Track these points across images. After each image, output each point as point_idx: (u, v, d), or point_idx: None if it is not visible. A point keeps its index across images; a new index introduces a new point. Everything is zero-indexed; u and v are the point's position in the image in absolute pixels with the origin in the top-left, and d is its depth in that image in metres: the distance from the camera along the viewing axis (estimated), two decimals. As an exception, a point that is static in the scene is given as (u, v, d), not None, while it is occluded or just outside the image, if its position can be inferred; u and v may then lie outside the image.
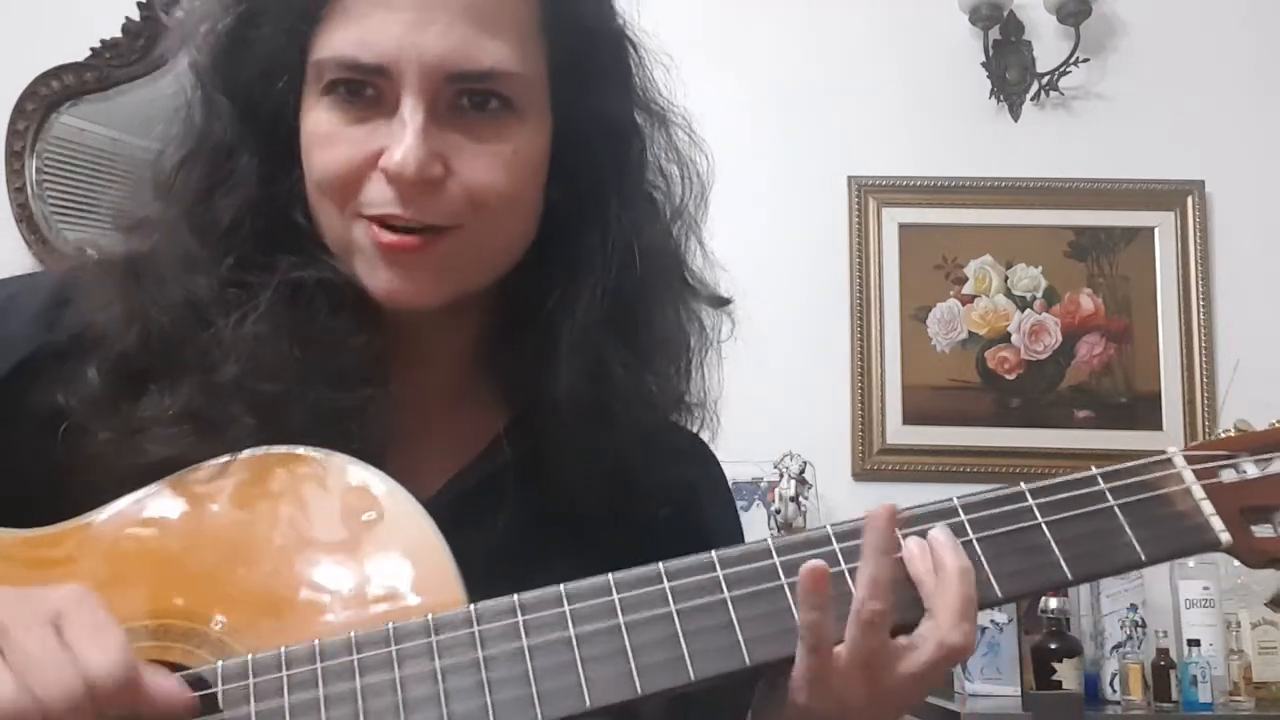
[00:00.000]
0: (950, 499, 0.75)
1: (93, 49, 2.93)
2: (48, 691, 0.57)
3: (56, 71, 2.91)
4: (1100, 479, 0.76)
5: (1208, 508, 0.75)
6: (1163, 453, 0.78)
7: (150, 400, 0.76)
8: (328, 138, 0.77)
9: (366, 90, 0.76)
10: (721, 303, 0.91)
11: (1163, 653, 2.40)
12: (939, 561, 0.71)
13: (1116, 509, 0.75)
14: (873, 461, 2.81)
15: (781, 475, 2.58)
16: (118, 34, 2.94)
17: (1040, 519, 0.74)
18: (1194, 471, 0.77)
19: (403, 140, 0.74)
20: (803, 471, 2.60)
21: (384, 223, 0.76)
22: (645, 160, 0.86)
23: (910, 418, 2.83)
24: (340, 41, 0.75)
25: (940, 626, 0.69)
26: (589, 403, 0.81)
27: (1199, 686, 2.33)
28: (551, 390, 0.81)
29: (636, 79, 0.86)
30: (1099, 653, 2.49)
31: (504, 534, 0.81)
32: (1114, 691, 2.45)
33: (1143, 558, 0.74)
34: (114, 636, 0.60)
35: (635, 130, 0.85)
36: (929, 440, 2.82)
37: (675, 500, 0.86)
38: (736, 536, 0.94)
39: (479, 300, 0.84)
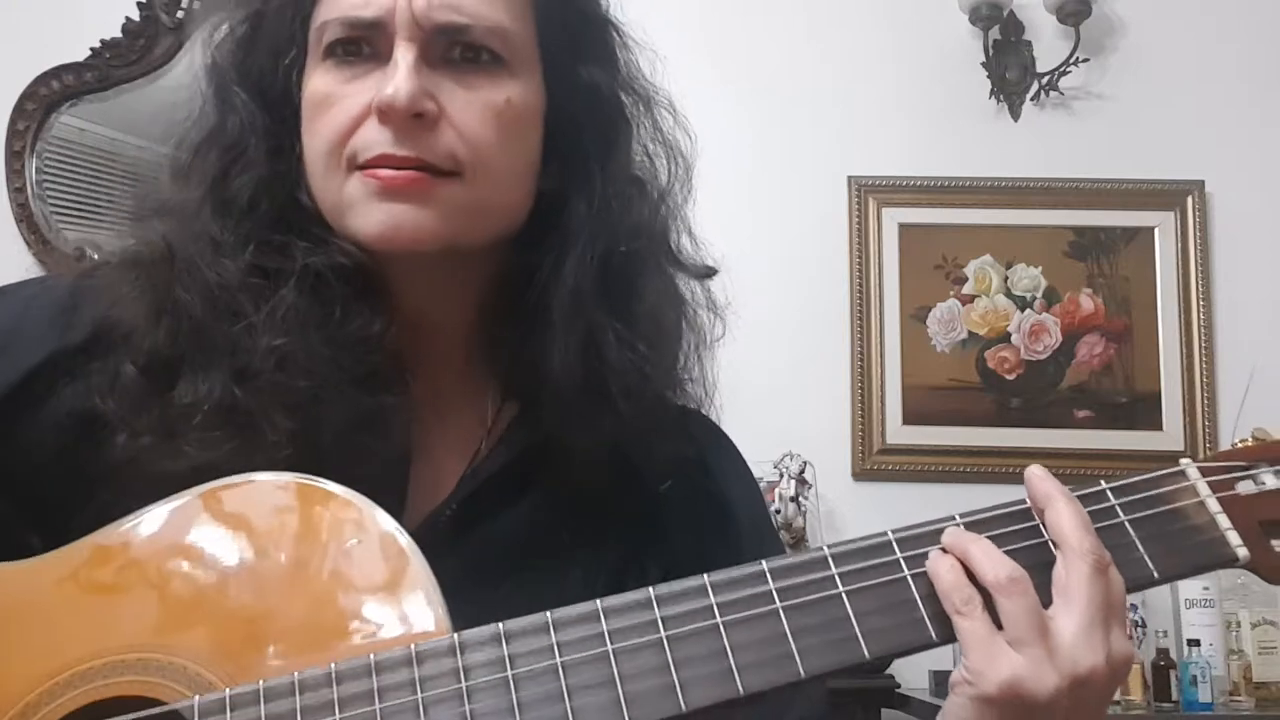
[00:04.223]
0: (952, 516, 0.71)
1: (93, 49, 2.93)
2: None
3: (56, 71, 2.91)
4: (1110, 493, 0.72)
5: (1224, 521, 0.71)
6: (1176, 465, 0.74)
7: (186, 387, 0.76)
8: (327, 98, 0.79)
9: (364, 49, 0.79)
10: (708, 273, 0.91)
11: (1163, 653, 2.41)
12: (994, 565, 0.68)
13: (1127, 524, 0.71)
14: (872, 461, 2.81)
15: (781, 475, 2.58)
16: (118, 34, 2.94)
17: (1046, 536, 0.69)
18: (1209, 484, 0.72)
19: (394, 77, 0.76)
20: (803, 471, 2.60)
21: (379, 165, 0.77)
22: (631, 137, 0.88)
23: (910, 418, 2.83)
24: (344, 2, 0.79)
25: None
26: (583, 375, 0.81)
27: (1199, 686, 2.33)
28: (547, 366, 0.81)
29: (621, 60, 0.88)
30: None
31: (523, 525, 0.82)
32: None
33: (1155, 575, 0.70)
34: None
35: (621, 108, 0.87)
36: (929, 440, 2.82)
37: (687, 475, 0.86)
38: (758, 510, 0.94)
39: (475, 275, 0.84)
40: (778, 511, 2.54)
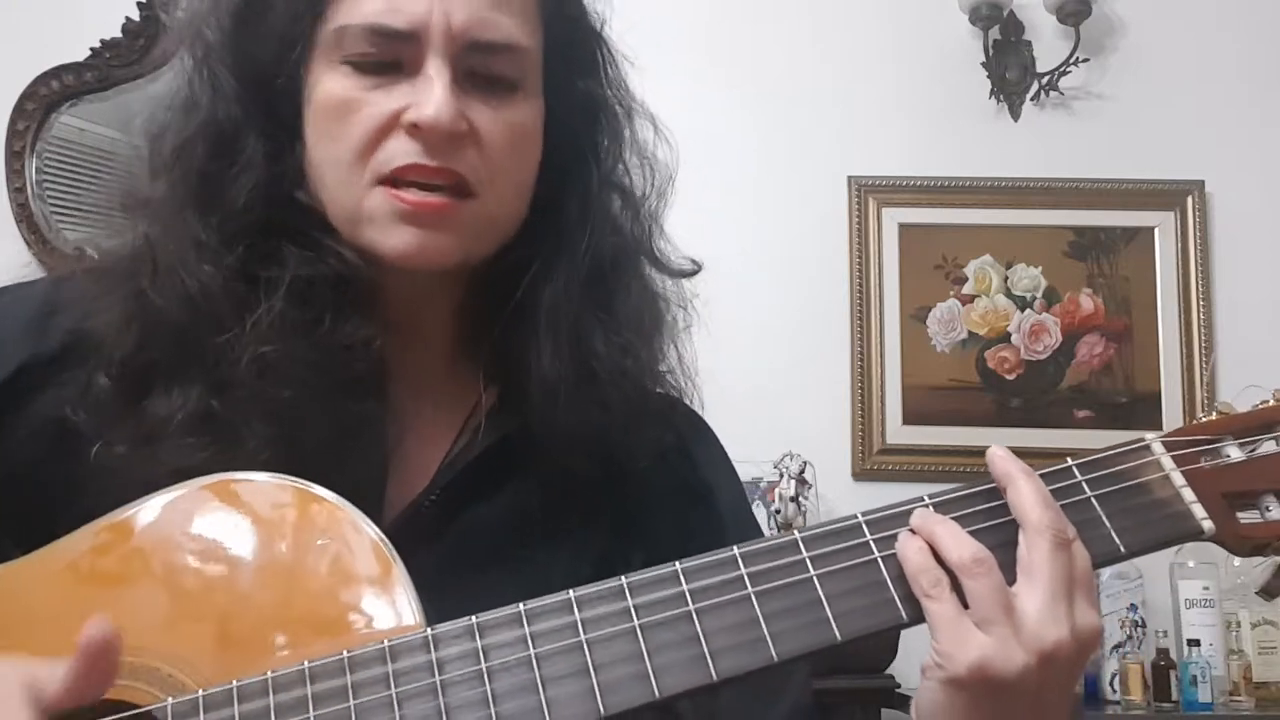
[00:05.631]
0: (921, 498, 0.73)
1: (93, 49, 2.93)
2: None
3: (56, 71, 2.91)
4: (1076, 470, 0.73)
5: (1188, 495, 0.72)
6: (1140, 440, 0.74)
7: (159, 399, 0.75)
8: (347, 104, 0.78)
9: (386, 58, 0.77)
10: (688, 273, 0.93)
11: (1163, 653, 2.41)
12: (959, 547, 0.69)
13: (1094, 500, 0.71)
14: (872, 461, 2.81)
15: (781, 475, 2.58)
16: (118, 34, 2.94)
17: (1014, 515, 0.70)
18: (1173, 458, 0.73)
19: (432, 95, 0.76)
20: (802, 471, 2.60)
21: (406, 178, 0.76)
22: (618, 147, 0.90)
23: (910, 418, 2.83)
24: (370, 8, 0.77)
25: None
26: (573, 368, 0.82)
27: (1199, 686, 2.33)
28: (534, 359, 0.82)
29: (609, 73, 0.90)
30: (1098, 653, 2.49)
31: (505, 513, 0.82)
32: (1114, 691, 2.45)
33: (1122, 550, 0.70)
34: None
35: (609, 118, 0.89)
36: (929, 440, 2.81)
37: (670, 464, 0.87)
38: (739, 499, 0.95)
39: (462, 275, 0.85)
40: (778, 511, 2.54)
